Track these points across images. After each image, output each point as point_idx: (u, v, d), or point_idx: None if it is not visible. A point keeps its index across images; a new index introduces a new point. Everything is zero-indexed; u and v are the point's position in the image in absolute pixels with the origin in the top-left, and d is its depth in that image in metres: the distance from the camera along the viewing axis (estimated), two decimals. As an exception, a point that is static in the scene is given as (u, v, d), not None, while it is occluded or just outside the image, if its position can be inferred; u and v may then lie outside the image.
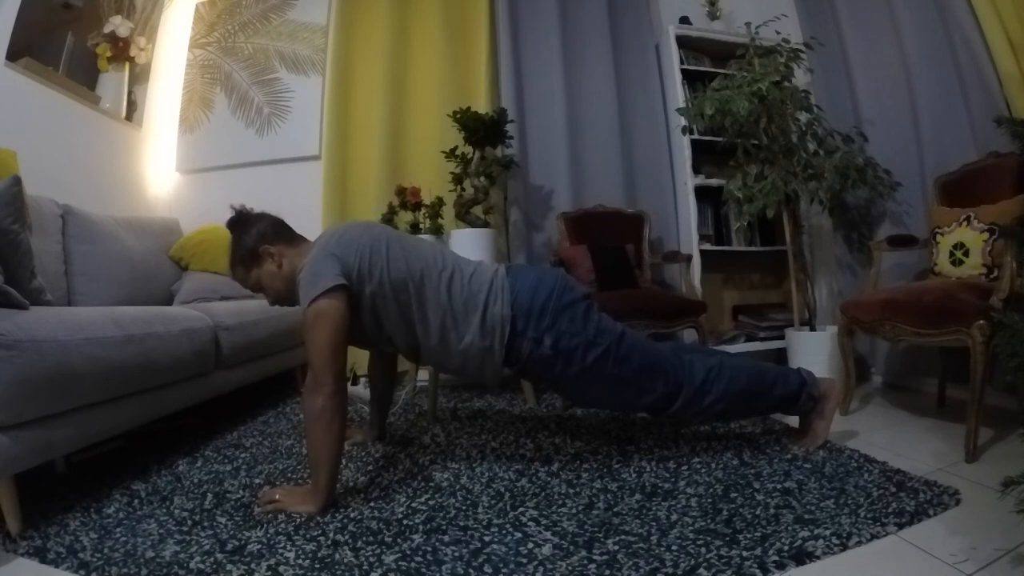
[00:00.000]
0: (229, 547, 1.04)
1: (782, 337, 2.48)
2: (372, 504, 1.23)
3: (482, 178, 2.44)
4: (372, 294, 1.29)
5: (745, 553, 0.95)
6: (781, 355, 2.51)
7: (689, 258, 2.63)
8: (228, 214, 1.47)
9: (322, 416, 1.17)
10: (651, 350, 1.42)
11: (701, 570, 0.91)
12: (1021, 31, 1.88)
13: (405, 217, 2.46)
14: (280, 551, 1.02)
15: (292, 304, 1.40)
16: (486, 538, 1.05)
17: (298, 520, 1.15)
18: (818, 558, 0.95)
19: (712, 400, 1.40)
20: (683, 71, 2.84)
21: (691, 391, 1.39)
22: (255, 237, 1.40)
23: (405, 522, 1.13)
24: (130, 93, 2.72)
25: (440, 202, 2.44)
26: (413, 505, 1.22)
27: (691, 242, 2.74)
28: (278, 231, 1.44)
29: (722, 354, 1.53)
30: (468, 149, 2.48)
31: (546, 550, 1.00)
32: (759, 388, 1.45)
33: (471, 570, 0.94)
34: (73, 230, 1.97)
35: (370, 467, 1.49)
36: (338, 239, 1.31)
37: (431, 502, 1.23)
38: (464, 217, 2.45)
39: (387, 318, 1.33)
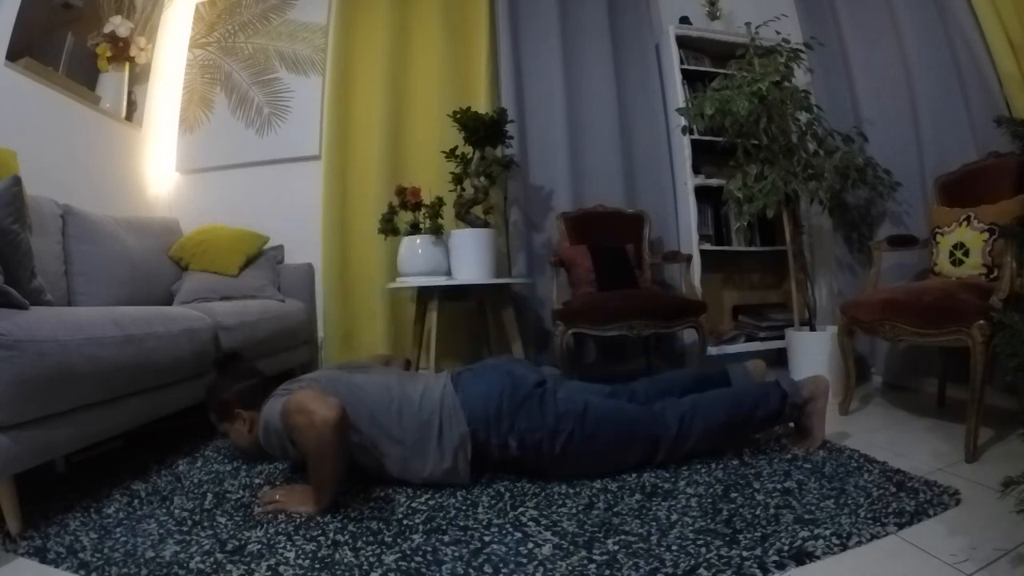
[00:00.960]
0: (229, 547, 1.04)
1: (782, 337, 2.48)
2: (372, 504, 1.23)
3: (482, 178, 2.44)
4: None
5: (745, 553, 0.95)
6: (781, 355, 2.51)
7: (689, 258, 2.63)
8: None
9: (330, 447, 1.14)
10: (619, 416, 1.40)
11: (701, 570, 0.91)
12: (1021, 31, 1.88)
13: (405, 217, 2.46)
14: (280, 551, 1.02)
15: (258, 460, 1.52)
16: (486, 538, 1.05)
17: (298, 520, 1.15)
18: (818, 558, 0.95)
19: (693, 443, 1.40)
20: (683, 71, 2.84)
21: (669, 442, 1.39)
22: (233, 396, 1.47)
23: (405, 522, 1.13)
24: (130, 93, 2.72)
25: (440, 202, 2.44)
26: (413, 505, 1.22)
27: (691, 242, 2.74)
28: (256, 396, 1.45)
29: (694, 396, 1.48)
30: (468, 149, 2.48)
31: (546, 550, 1.00)
32: (740, 417, 1.45)
33: (471, 570, 0.94)
34: (73, 230, 1.97)
35: (370, 467, 1.49)
36: (284, 386, 1.35)
37: (431, 502, 1.23)
38: (464, 217, 2.45)
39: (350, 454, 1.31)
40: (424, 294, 2.47)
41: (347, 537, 1.07)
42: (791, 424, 1.56)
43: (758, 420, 1.47)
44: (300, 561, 0.98)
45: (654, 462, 1.41)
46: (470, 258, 2.33)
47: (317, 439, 1.13)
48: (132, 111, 2.74)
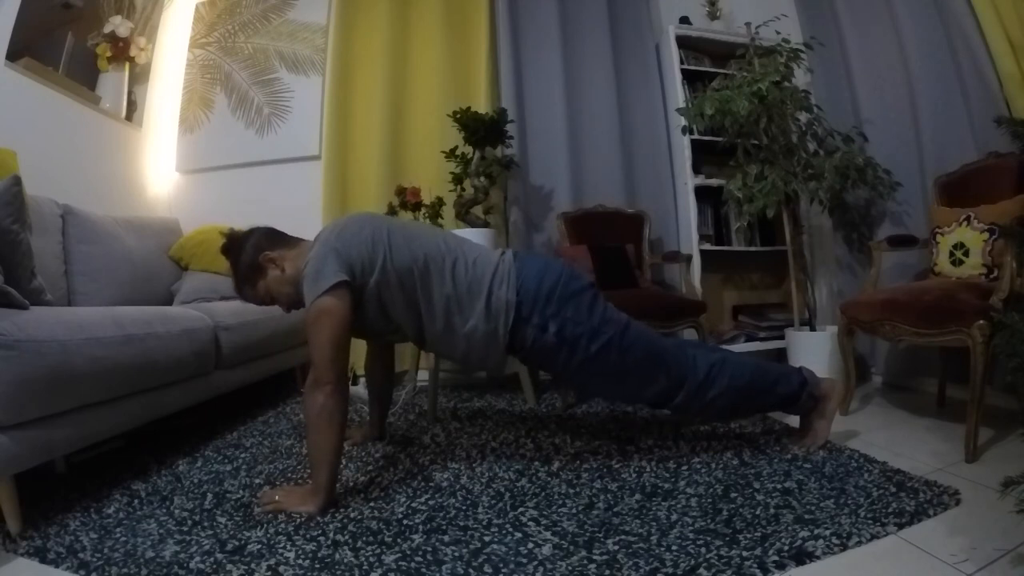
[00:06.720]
0: (229, 547, 1.04)
1: (782, 337, 2.48)
2: (372, 504, 1.23)
3: (482, 178, 2.44)
4: (377, 283, 1.29)
5: (745, 553, 0.95)
6: (781, 355, 2.51)
7: (689, 258, 2.63)
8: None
9: (323, 413, 1.18)
10: (655, 342, 1.42)
11: (701, 570, 0.91)
12: (1021, 31, 1.88)
13: (405, 217, 2.46)
14: (280, 551, 1.02)
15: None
16: (486, 538, 1.05)
17: (298, 520, 1.15)
18: (818, 558, 0.94)
19: (714, 395, 1.40)
20: (683, 71, 2.84)
21: (694, 385, 1.39)
22: (252, 250, 1.41)
23: (405, 522, 1.13)
24: (130, 93, 2.72)
25: (440, 202, 2.44)
26: (413, 505, 1.22)
27: (691, 242, 2.74)
28: (273, 238, 1.45)
29: (725, 351, 1.53)
30: (468, 149, 2.48)
31: (546, 550, 1.00)
32: (761, 386, 1.46)
33: (471, 570, 0.94)
34: (73, 230, 1.97)
35: (370, 467, 1.49)
36: (339, 233, 1.31)
37: (431, 502, 1.23)
38: (464, 217, 2.45)
39: (393, 306, 1.33)
40: (424, 294, 2.46)
41: (347, 537, 1.07)
42: (799, 417, 1.56)
43: (778, 395, 1.47)
44: (300, 561, 0.98)
45: (672, 403, 1.42)
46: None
47: (311, 404, 1.18)
48: (132, 111, 2.74)
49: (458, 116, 2.40)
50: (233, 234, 1.48)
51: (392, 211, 2.47)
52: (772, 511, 1.11)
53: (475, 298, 1.32)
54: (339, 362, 1.22)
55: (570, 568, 0.93)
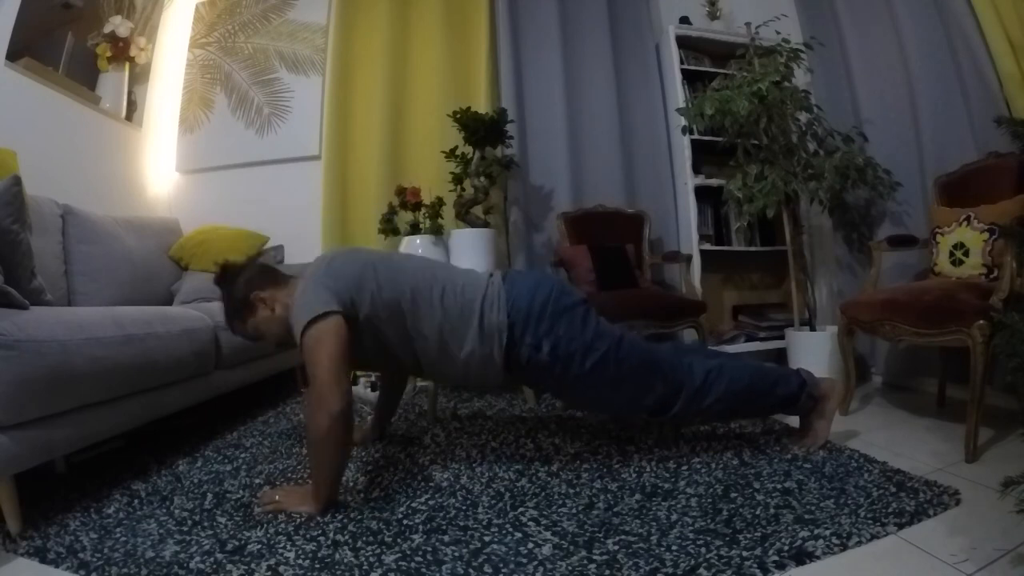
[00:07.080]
0: (229, 547, 1.04)
1: (782, 337, 2.48)
2: (372, 504, 1.23)
3: (482, 178, 2.44)
4: (367, 318, 1.28)
5: (745, 553, 0.95)
6: (781, 355, 2.51)
7: (689, 258, 2.63)
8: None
9: (330, 438, 1.15)
10: (650, 352, 1.42)
11: (701, 570, 0.91)
12: (1021, 31, 1.88)
13: (405, 217, 2.46)
14: (280, 551, 1.02)
15: (294, 346, 1.31)
16: (486, 538, 1.05)
17: (298, 520, 1.15)
18: (818, 558, 0.94)
19: (712, 400, 1.40)
20: (683, 71, 2.84)
21: (691, 392, 1.39)
22: (244, 287, 1.40)
23: (405, 522, 1.13)
24: (130, 93, 2.72)
25: (440, 202, 2.44)
26: (413, 505, 1.22)
27: (691, 242, 2.74)
28: (265, 276, 1.43)
29: (722, 355, 1.53)
30: (468, 149, 2.48)
31: (546, 550, 1.00)
32: (760, 389, 1.45)
33: (471, 570, 0.94)
34: (73, 230, 1.97)
35: (370, 467, 1.49)
36: (326, 269, 1.31)
37: (431, 502, 1.23)
38: (464, 217, 2.45)
39: (387, 338, 1.32)
40: (424, 294, 2.46)
41: (347, 537, 1.07)
42: (799, 418, 1.55)
43: (777, 397, 1.47)
44: (300, 561, 0.98)
45: (670, 412, 1.41)
46: (470, 258, 2.33)
47: (315, 426, 1.15)
48: (132, 111, 2.74)
49: (458, 116, 2.41)
50: (227, 265, 1.47)
51: (392, 211, 2.47)
52: (772, 511, 1.11)
53: (467, 324, 1.31)
54: (343, 382, 1.18)
55: (570, 568, 0.93)
